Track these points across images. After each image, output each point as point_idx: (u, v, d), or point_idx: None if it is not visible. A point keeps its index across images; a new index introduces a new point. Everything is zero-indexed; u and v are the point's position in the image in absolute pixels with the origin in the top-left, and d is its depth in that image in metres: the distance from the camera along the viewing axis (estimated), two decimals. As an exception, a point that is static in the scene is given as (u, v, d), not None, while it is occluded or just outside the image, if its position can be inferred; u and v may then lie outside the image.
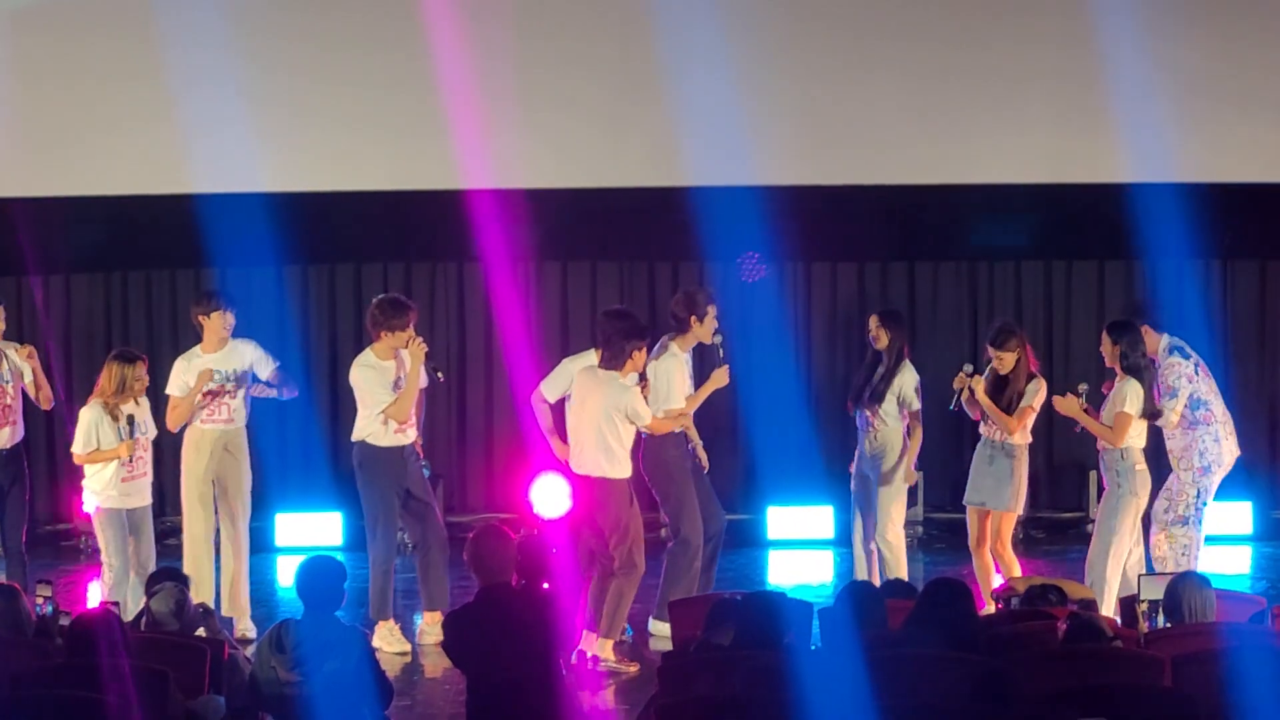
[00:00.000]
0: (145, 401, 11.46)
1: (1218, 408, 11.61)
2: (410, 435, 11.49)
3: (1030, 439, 11.64)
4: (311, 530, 14.06)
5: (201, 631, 9.22)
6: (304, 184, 13.27)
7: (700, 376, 11.69)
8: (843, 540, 13.33)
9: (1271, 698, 7.58)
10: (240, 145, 12.56)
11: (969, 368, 11.69)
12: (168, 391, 11.79)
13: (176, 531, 12.28)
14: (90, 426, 11.25)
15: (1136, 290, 14.51)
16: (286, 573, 13.06)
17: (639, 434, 11.31)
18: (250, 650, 9.50)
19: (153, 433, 11.53)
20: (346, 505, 13.52)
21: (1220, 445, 11.56)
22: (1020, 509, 11.72)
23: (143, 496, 11.42)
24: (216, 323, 11.73)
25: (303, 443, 14.36)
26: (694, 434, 11.68)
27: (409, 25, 12.66)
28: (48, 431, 14.47)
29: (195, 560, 11.67)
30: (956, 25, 13.11)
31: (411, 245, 14.73)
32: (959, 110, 13.14)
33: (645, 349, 11.19)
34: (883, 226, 14.59)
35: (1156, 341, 11.57)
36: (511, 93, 12.91)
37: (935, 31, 13.10)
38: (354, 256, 14.83)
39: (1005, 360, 11.49)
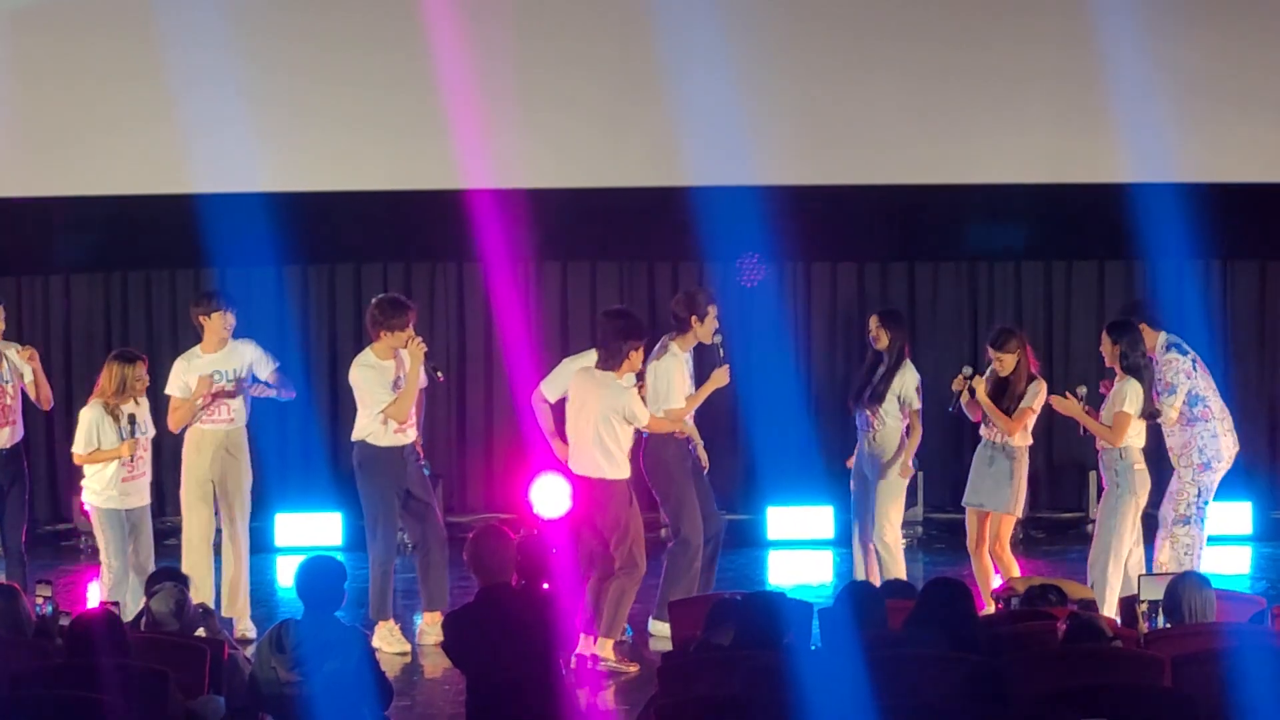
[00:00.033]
0: (145, 401, 11.45)
1: (1215, 404, 11.62)
2: (410, 435, 11.49)
3: (1030, 440, 11.64)
4: (311, 530, 14.06)
5: (201, 631, 9.22)
6: (304, 184, 13.27)
7: (700, 376, 11.68)
8: (843, 540, 13.33)
9: (1271, 698, 7.58)
10: (240, 145, 12.57)
11: (968, 370, 11.69)
12: (167, 392, 11.79)
13: (176, 531, 12.28)
14: (91, 426, 11.25)
15: (1136, 290, 14.50)
16: (286, 573, 13.05)
17: (640, 434, 11.32)
18: (250, 650, 9.50)
19: (152, 432, 11.52)
20: (346, 505, 13.52)
21: (1219, 441, 11.57)
22: (1020, 511, 11.71)
23: (142, 496, 11.42)
24: (217, 323, 11.73)
25: (303, 443, 14.35)
26: (695, 434, 11.69)
27: (409, 25, 12.66)
28: (47, 431, 14.47)
29: (195, 560, 11.67)
30: (956, 25, 13.12)
31: (411, 245, 14.72)
32: (959, 110, 13.15)
33: (643, 349, 11.19)
34: (883, 226, 14.59)
35: (1154, 339, 11.59)
36: (511, 93, 12.92)
37: (935, 31, 13.11)
38: (354, 256, 14.83)
39: (1005, 362, 11.49)
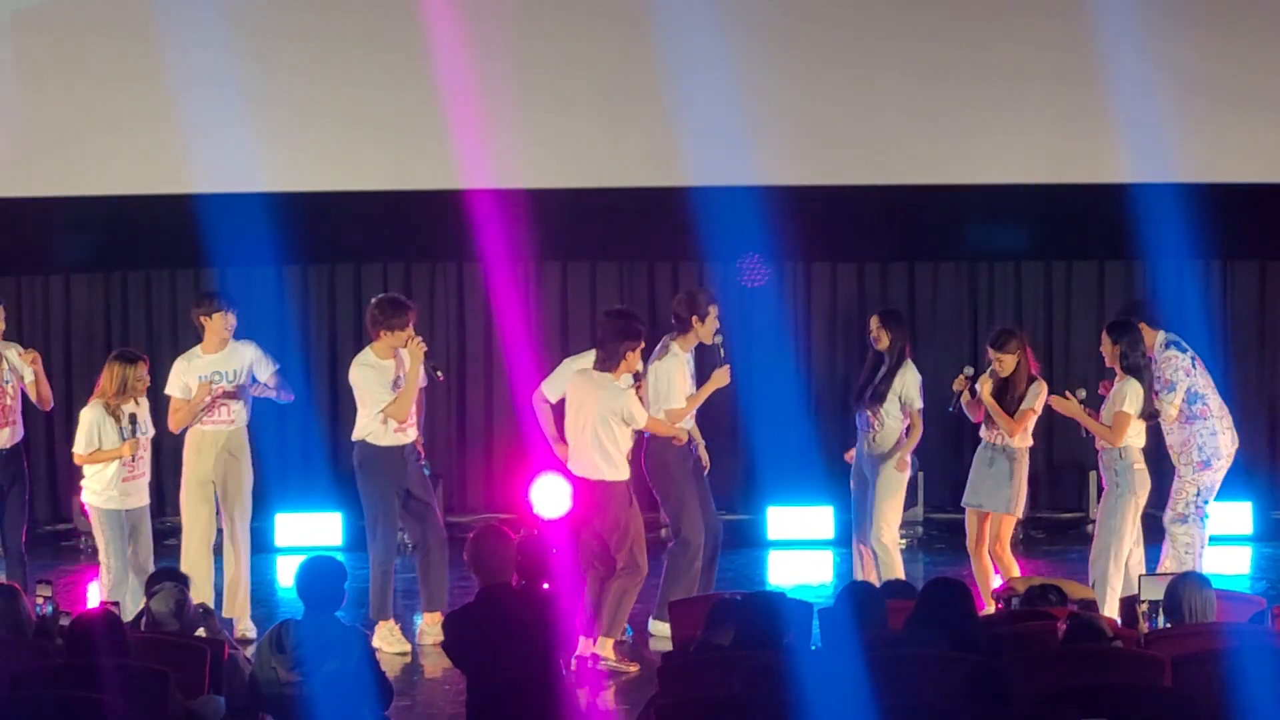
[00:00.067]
0: (144, 401, 11.45)
1: (1214, 402, 11.62)
2: (410, 434, 11.49)
3: (1030, 441, 11.64)
4: (311, 530, 14.05)
5: (201, 631, 9.22)
6: (304, 184, 13.28)
7: (701, 377, 11.68)
8: (843, 540, 13.33)
9: (1271, 698, 7.58)
10: (240, 145, 12.57)
11: (969, 370, 11.70)
12: (167, 392, 11.79)
13: (176, 531, 12.27)
14: (92, 426, 11.25)
15: (1136, 290, 14.50)
16: (286, 573, 13.05)
17: (642, 434, 11.32)
18: (250, 650, 9.50)
19: (151, 432, 11.52)
20: (346, 505, 13.52)
21: (1217, 439, 11.57)
22: (1020, 511, 11.71)
23: (141, 497, 11.42)
24: (218, 323, 11.73)
25: (303, 443, 14.35)
26: (697, 434, 11.70)
27: (409, 25, 12.67)
28: (47, 432, 14.46)
29: (195, 560, 11.66)
30: (956, 25, 13.12)
31: (411, 245, 14.72)
32: (959, 110, 13.15)
33: (640, 350, 11.18)
34: (883, 226, 14.59)
35: (1152, 337, 11.59)
36: (511, 93, 12.92)
37: (935, 31, 13.11)
38: (354, 257, 14.83)
39: (1005, 362, 11.49)
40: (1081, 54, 12.74)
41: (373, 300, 11.64)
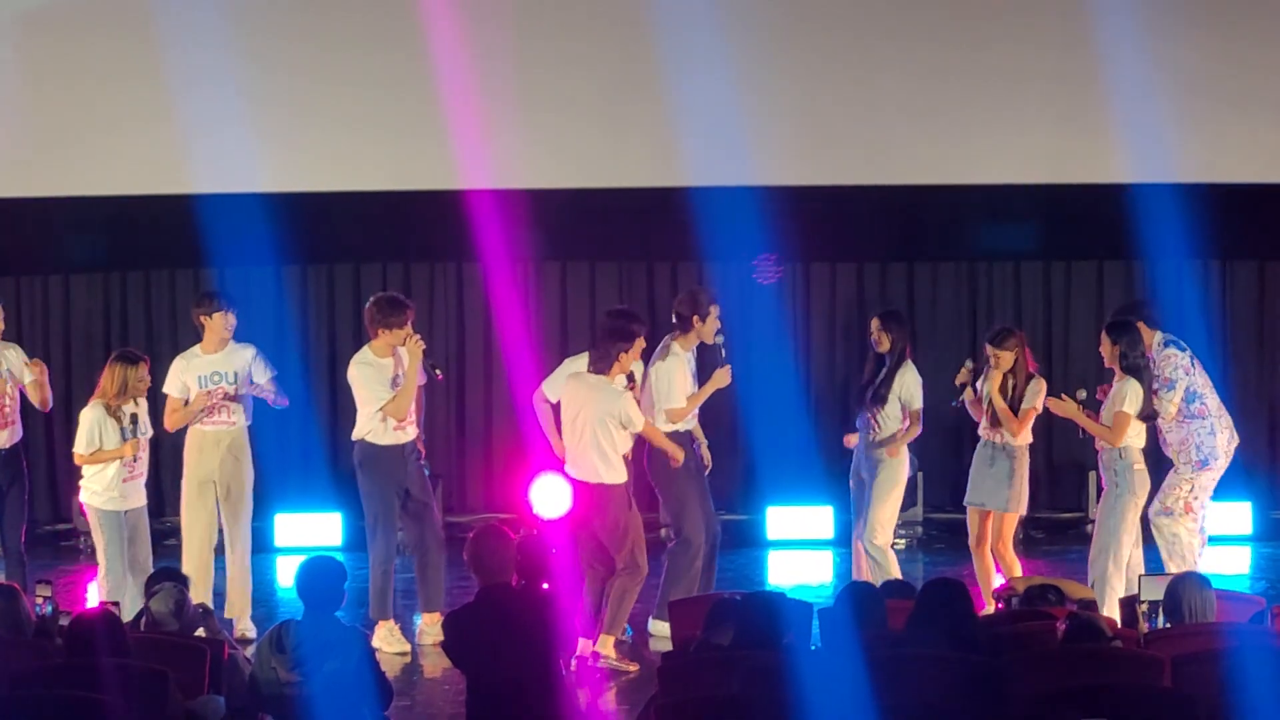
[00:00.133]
0: (144, 401, 11.45)
1: (1212, 401, 11.62)
2: (410, 432, 11.49)
3: (1030, 439, 11.64)
4: (311, 530, 14.06)
5: (201, 631, 9.22)
6: (303, 184, 13.27)
7: (702, 377, 11.68)
8: (843, 540, 13.33)
9: (1271, 698, 7.58)
10: (240, 145, 12.57)
11: (970, 363, 11.71)
12: (165, 390, 11.79)
13: (176, 531, 12.27)
14: (93, 427, 11.24)
15: (1136, 290, 14.50)
16: (286, 573, 13.05)
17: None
18: (250, 650, 9.50)
19: (150, 432, 11.52)
20: (346, 505, 13.52)
21: (1215, 439, 11.56)
22: (1022, 509, 11.72)
23: (140, 497, 11.42)
24: (219, 323, 11.73)
25: (303, 443, 14.35)
26: (699, 433, 11.70)
27: (409, 25, 12.66)
28: (47, 432, 14.47)
29: (195, 560, 11.66)
30: (956, 25, 13.12)
31: (411, 245, 14.72)
32: (959, 110, 13.15)
33: (634, 351, 11.16)
34: (883, 226, 14.59)
35: (1150, 337, 11.59)
36: (511, 93, 12.91)
37: (935, 31, 13.11)
38: (353, 257, 14.83)
39: (1004, 359, 11.50)
40: (1081, 54, 12.74)
41: (371, 299, 11.64)
